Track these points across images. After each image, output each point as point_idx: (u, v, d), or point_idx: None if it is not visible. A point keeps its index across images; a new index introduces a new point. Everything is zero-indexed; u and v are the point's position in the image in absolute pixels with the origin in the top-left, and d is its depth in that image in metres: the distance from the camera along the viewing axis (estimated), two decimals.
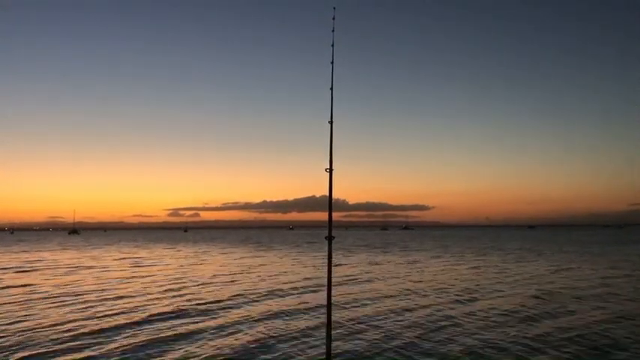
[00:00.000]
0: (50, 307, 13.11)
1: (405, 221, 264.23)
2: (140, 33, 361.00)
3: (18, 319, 11.40)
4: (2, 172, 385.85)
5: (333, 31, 5.08)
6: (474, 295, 14.84)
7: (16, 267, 27.56)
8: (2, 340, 9.38)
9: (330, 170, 4.56)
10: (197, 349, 8.63)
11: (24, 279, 20.59)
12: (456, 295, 14.81)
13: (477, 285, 17.01)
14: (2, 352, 8.49)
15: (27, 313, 12.23)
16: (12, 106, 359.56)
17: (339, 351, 8.49)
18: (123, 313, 12.22)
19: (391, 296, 14.79)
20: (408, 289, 16.04)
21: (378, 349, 8.76)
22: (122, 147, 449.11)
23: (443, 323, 10.63)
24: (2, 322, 11.06)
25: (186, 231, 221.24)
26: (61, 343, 9.05)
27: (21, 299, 14.70)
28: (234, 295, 15.10)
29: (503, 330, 9.91)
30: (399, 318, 11.40)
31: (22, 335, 9.74)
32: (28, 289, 17.22)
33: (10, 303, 14.02)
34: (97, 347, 8.74)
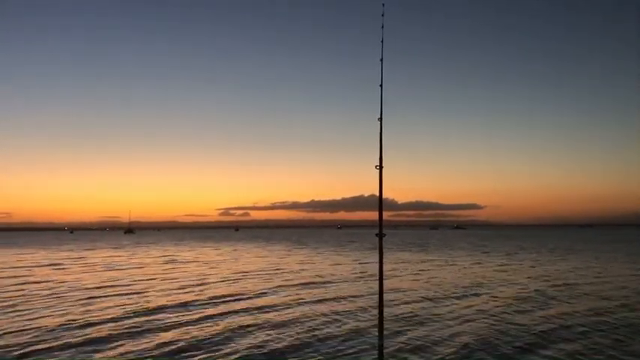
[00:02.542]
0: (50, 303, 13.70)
1: (456, 221, 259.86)
2: (196, 35, 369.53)
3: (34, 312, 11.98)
4: (63, 174, 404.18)
5: (382, 27, 5.05)
6: (545, 299, 14.44)
7: (52, 263, 28.91)
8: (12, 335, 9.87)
9: (380, 167, 4.55)
10: (238, 345, 8.75)
11: (55, 274, 21.57)
12: (518, 298, 14.45)
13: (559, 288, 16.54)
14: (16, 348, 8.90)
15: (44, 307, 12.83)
16: (75, 112, 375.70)
17: (391, 348, 8.48)
18: (145, 309, 12.62)
19: (445, 295, 14.64)
20: (463, 288, 15.85)
21: (430, 345, 8.70)
22: (175, 149, 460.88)
23: (491, 323, 10.44)
24: (28, 315, 11.66)
25: (237, 230, 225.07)
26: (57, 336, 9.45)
27: (41, 293, 15.43)
28: (277, 288, 15.37)
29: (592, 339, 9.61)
30: (453, 317, 11.27)
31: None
32: (50, 283, 18.07)
33: (35, 296, 14.75)
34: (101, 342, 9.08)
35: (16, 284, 18.45)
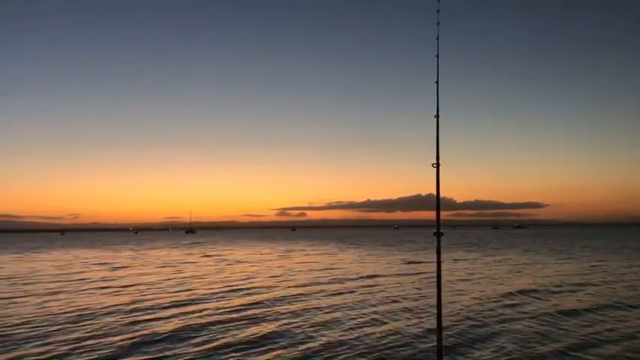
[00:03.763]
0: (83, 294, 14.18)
1: (517, 220, 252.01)
2: (259, 41, 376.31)
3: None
4: (127, 177, 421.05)
5: (437, 24, 4.99)
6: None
7: (106, 263, 30.07)
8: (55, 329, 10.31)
9: (437, 165, 4.49)
10: (289, 345, 8.83)
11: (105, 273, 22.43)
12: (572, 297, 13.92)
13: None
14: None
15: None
16: (141, 117, 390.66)
17: (450, 345, 8.42)
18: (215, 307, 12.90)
19: (506, 294, 14.34)
20: (523, 289, 15.38)
21: (489, 345, 8.55)
22: (234, 151, 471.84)
23: (546, 323, 10.09)
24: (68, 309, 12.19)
25: (294, 229, 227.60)
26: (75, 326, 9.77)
27: (80, 287, 16.07)
28: (326, 287, 15.44)
29: None
30: (514, 316, 10.98)
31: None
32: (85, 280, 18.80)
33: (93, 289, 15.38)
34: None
35: (70, 280, 19.45)
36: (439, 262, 4.43)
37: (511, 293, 14.81)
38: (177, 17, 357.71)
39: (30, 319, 11.63)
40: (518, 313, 11.64)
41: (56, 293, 16.29)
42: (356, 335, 9.54)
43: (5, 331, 10.33)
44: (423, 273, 21.25)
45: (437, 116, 4.68)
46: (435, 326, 6.43)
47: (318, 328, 10.32)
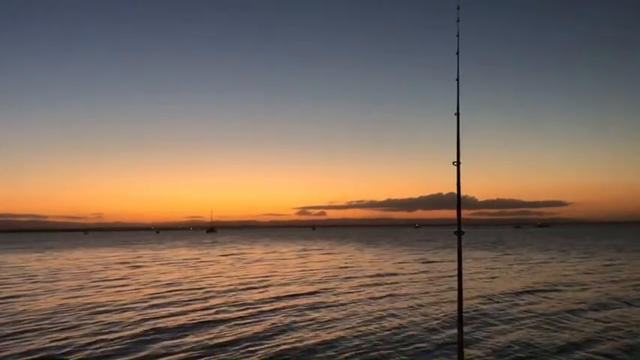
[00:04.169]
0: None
1: (539, 219, 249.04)
2: (287, 41, 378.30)
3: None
4: (149, 178, 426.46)
5: (457, 21, 4.95)
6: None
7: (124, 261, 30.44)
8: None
9: (458, 164, 4.47)
10: (304, 342, 8.80)
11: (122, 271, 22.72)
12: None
13: None
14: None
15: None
16: (159, 118, 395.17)
17: (471, 343, 8.39)
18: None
19: (527, 291, 14.29)
20: (546, 285, 15.22)
21: (511, 344, 8.50)
22: (254, 151, 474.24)
23: (568, 321, 9.94)
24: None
25: (314, 229, 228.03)
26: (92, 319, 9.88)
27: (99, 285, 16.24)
28: (342, 286, 15.39)
29: None
30: (532, 314, 10.91)
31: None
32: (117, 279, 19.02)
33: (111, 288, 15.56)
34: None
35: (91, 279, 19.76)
36: (460, 261, 4.41)
37: (528, 290, 14.79)
38: (203, 23, 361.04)
39: (47, 315, 11.92)
40: (535, 310, 11.59)
41: (75, 290, 16.64)
42: (372, 330, 9.59)
43: (24, 326, 10.59)
44: (439, 271, 21.27)
45: (457, 114, 4.65)
46: (454, 321, 6.36)
47: (331, 323, 10.39)
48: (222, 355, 8.12)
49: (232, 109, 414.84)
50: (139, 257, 36.11)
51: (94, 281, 19.54)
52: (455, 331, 6.78)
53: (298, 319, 11.06)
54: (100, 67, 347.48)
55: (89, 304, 13.65)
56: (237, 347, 8.61)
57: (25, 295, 15.69)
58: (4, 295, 15.75)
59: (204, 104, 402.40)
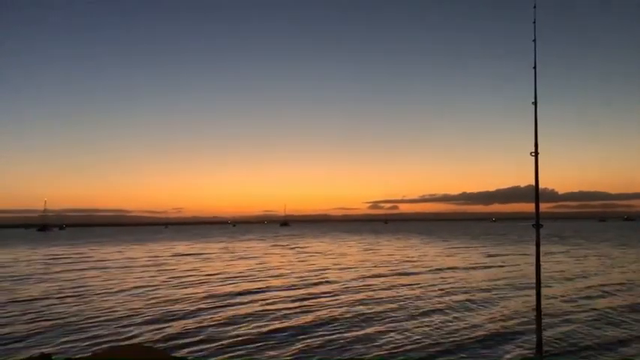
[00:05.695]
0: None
1: (626, 212, 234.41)
2: (343, 38, 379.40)
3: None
4: (226, 174, 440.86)
5: (534, 7, 4.79)
6: None
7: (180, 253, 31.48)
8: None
9: (536, 154, 4.34)
10: (378, 334, 8.82)
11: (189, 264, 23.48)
12: None
13: None
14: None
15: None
16: (235, 118, 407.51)
17: (550, 340, 8.24)
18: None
19: (605, 290, 13.69)
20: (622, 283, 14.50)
21: (590, 341, 8.32)
22: (326, 146, 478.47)
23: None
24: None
25: (386, 222, 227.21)
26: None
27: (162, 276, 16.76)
28: (407, 280, 15.23)
29: None
30: (608, 311, 10.61)
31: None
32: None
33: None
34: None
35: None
36: (538, 255, 4.31)
37: (604, 286, 14.45)
38: (260, 22, 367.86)
39: (116, 304, 12.74)
40: (612, 306, 11.31)
41: (146, 281, 17.69)
42: (438, 326, 9.48)
43: (94, 313, 11.46)
44: (504, 266, 20.79)
45: (535, 103, 4.52)
46: (532, 319, 6.18)
47: (384, 316, 10.52)
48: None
49: (304, 107, 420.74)
50: (211, 250, 37.57)
51: (164, 272, 20.48)
52: (533, 326, 6.62)
53: (344, 310, 11.15)
54: (179, 68, 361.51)
55: (158, 292, 14.35)
56: (278, 336, 8.81)
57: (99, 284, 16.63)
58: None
59: (276, 103, 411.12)
